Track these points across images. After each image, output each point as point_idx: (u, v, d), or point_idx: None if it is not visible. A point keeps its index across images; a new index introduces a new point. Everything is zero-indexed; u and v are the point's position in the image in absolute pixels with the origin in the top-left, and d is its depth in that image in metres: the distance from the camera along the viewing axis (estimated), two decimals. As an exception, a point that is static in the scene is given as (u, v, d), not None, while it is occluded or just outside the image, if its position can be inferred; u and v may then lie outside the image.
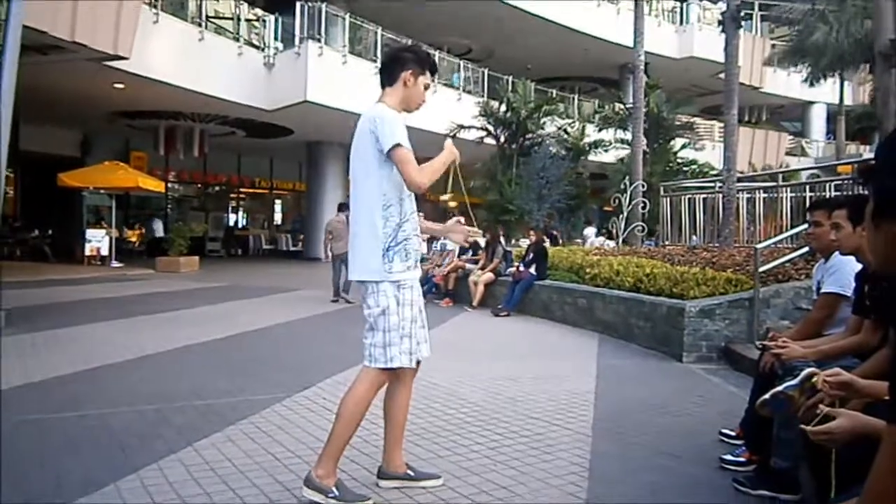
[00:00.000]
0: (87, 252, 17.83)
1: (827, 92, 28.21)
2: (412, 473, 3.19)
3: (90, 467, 3.28)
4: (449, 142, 3.19)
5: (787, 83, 30.55)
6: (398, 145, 2.88)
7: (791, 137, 35.26)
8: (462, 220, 3.40)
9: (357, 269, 3.02)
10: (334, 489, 2.85)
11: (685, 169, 21.32)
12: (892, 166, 1.10)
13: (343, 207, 11.75)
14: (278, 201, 31.89)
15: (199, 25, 17.07)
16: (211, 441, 3.72)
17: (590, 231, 20.06)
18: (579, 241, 18.48)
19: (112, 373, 5.53)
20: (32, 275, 13.97)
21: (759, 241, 8.08)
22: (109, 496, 2.92)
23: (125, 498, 2.91)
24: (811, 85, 21.49)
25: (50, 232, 20.05)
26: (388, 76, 3.11)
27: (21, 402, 4.51)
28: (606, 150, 20.61)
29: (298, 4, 18.18)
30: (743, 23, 13.47)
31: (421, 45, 3.17)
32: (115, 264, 17.51)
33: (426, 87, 3.15)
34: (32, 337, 7.03)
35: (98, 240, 18.04)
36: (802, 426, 2.08)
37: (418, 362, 3.12)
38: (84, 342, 6.86)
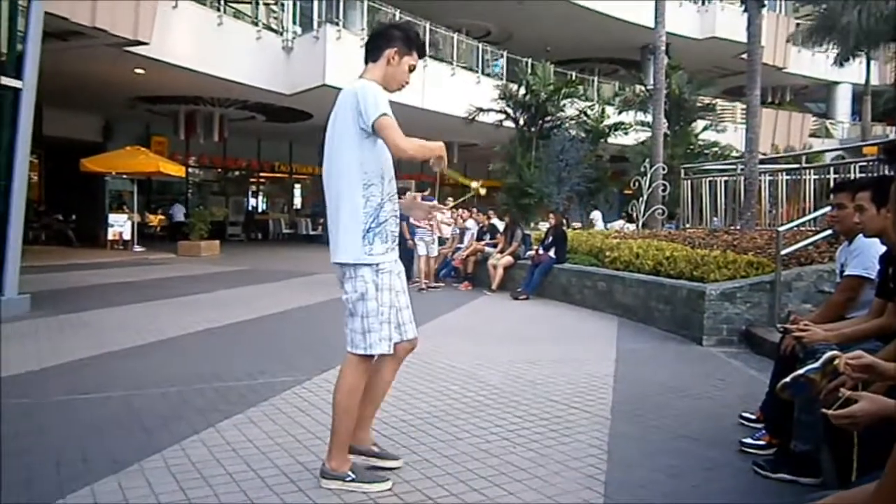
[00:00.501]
0: (110, 237, 18.05)
1: (853, 72, 27.74)
2: (376, 450, 3.14)
3: (115, 447, 3.33)
4: (440, 144, 3.01)
5: (812, 63, 30.06)
6: (383, 115, 2.78)
7: (815, 118, 34.73)
8: (419, 196, 3.28)
9: (336, 250, 2.90)
10: (350, 473, 2.88)
11: (706, 151, 21.06)
12: None
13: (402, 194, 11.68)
14: (298, 185, 31.99)
15: (218, 10, 17.10)
16: (232, 422, 3.77)
17: (596, 215, 19.95)
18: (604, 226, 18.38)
19: (135, 355, 5.61)
20: (57, 259, 14.18)
21: (782, 224, 7.99)
22: (134, 476, 2.97)
23: (149, 477, 2.96)
24: (840, 65, 21.12)
25: (73, 216, 20.33)
26: (372, 52, 3.02)
27: (48, 383, 4.60)
28: (626, 133, 20.40)
29: (316, -12, 18.19)
30: (766, 2, 13.25)
31: (413, 23, 3.08)
32: (138, 248, 17.71)
33: (411, 69, 3.05)
34: (58, 320, 7.14)
35: (120, 224, 18.25)
36: (824, 409, 2.06)
37: (412, 345, 3.09)
38: (107, 325, 6.96)
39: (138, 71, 16.22)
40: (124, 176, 18.97)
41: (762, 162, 10.97)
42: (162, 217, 23.07)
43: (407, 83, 3.08)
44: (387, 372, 3.08)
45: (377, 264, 2.88)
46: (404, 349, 3.06)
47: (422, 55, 3.10)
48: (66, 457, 3.19)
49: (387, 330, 2.90)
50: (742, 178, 10.33)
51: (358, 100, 2.81)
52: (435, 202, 3.28)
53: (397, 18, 19.06)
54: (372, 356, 2.92)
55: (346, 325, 2.94)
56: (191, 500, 2.75)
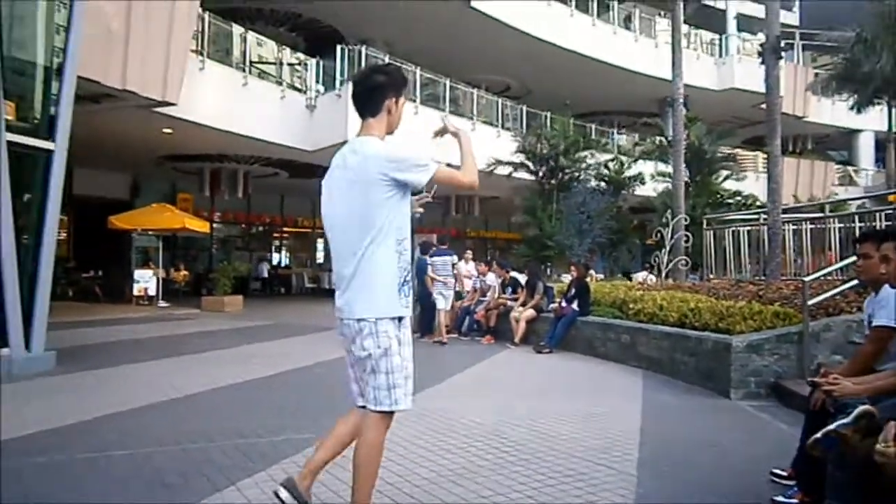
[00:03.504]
0: (136, 292, 18.24)
1: (874, 119, 27.70)
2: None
3: (136, 506, 3.32)
4: (448, 121, 3.14)
5: (833, 111, 30.08)
6: (436, 168, 2.84)
7: (838, 167, 34.59)
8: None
9: (361, 306, 2.81)
10: None
11: (729, 201, 21.01)
12: None
13: (426, 248, 11.85)
14: (320, 240, 32.27)
15: (244, 70, 17.57)
16: (254, 480, 3.74)
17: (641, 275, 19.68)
18: (620, 276, 18.23)
19: (158, 411, 5.61)
20: (83, 315, 14.34)
21: (808, 274, 7.89)
22: (154, 536, 2.95)
23: (169, 537, 2.93)
24: (858, 112, 21.15)
25: (100, 273, 20.60)
26: (369, 106, 2.98)
27: (71, 440, 4.61)
28: (644, 184, 20.46)
29: (339, 48, 18.67)
30: (784, 52, 13.34)
31: (394, 63, 3.10)
32: (162, 304, 17.87)
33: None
34: (82, 376, 7.19)
35: (146, 280, 18.47)
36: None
37: None
38: (131, 381, 6.99)
39: (166, 131, 16.64)
40: (150, 232, 19.27)
41: (785, 211, 10.91)
42: (186, 273, 23.32)
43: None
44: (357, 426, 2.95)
45: (401, 318, 2.86)
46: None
47: (405, 88, 3.10)
48: (87, 516, 3.18)
49: (410, 385, 2.87)
50: (765, 227, 10.25)
51: (391, 165, 2.79)
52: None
53: (417, 76, 19.47)
54: (392, 413, 2.85)
55: (363, 382, 2.86)
56: (210, 562, 2.72)
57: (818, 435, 2.82)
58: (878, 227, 8.09)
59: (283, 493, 2.94)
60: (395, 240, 2.83)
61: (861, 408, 2.66)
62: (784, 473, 3.77)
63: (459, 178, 2.94)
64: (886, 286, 3.34)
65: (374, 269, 2.81)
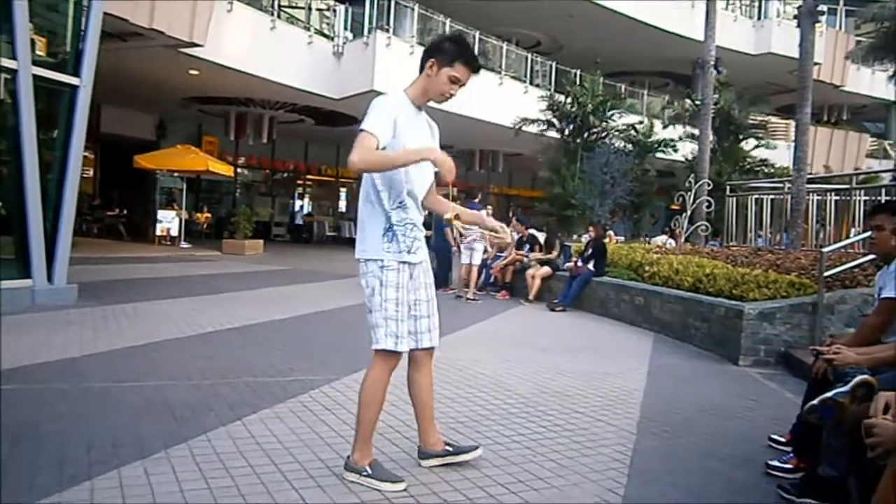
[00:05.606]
0: (158, 232, 18.49)
1: (914, 92, 26.92)
2: (451, 448, 3.26)
3: (144, 435, 3.42)
4: (434, 153, 2.94)
5: (872, 82, 29.23)
6: (362, 129, 2.79)
7: (873, 139, 33.76)
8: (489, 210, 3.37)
9: (358, 247, 3.03)
10: (367, 468, 2.94)
11: (757, 168, 20.66)
12: None
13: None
14: (343, 189, 32.32)
15: (272, 14, 17.44)
16: (259, 417, 3.84)
17: (660, 239, 19.47)
18: (645, 239, 18.09)
19: (173, 347, 5.74)
20: (106, 252, 14.59)
21: (828, 245, 7.80)
22: (160, 462, 3.06)
23: (174, 465, 3.04)
24: (896, 83, 20.55)
25: (125, 211, 20.89)
26: (421, 63, 3.06)
27: (87, 370, 4.75)
28: (675, 150, 20.10)
29: (368, -5, 18.46)
30: (825, 17, 12.96)
31: (463, 33, 3.08)
32: (184, 245, 18.11)
33: (453, 80, 2.98)
34: (102, 310, 7.35)
35: (168, 221, 18.69)
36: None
37: (431, 348, 3.17)
38: (149, 318, 7.14)
39: (192, 72, 16.63)
40: (175, 174, 19.42)
41: (812, 181, 10.73)
42: (208, 215, 23.54)
43: (451, 94, 3.04)
44: (421, 377, 3.19)
45: (382, 260, 2.96)
46: (422, 355, 3.16)
47: (471, 68, 3.01)
48: (98, 441, 3.29)
49: (394, 327, 2.95)
50: (789, 196, 10.11)
51: (366, 111, 2.89)
52: (482, 212, 3.36)
53: (447, 27, 19.20)
54: (393, 353, 2.98)
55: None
56: (212, 489, 2.82)
57: (815, 402, 2.83)
58: (892, 200, 7.94)
59: (426, 462, 3.24)
60: (375, 190, 2.97)
61: (859, 377, 2.66)
62: (782, 439, 3.80)
63: (354, 151, 2.76)
64: (898, 258, 3.31)
65: (361, 214, 3.04)
